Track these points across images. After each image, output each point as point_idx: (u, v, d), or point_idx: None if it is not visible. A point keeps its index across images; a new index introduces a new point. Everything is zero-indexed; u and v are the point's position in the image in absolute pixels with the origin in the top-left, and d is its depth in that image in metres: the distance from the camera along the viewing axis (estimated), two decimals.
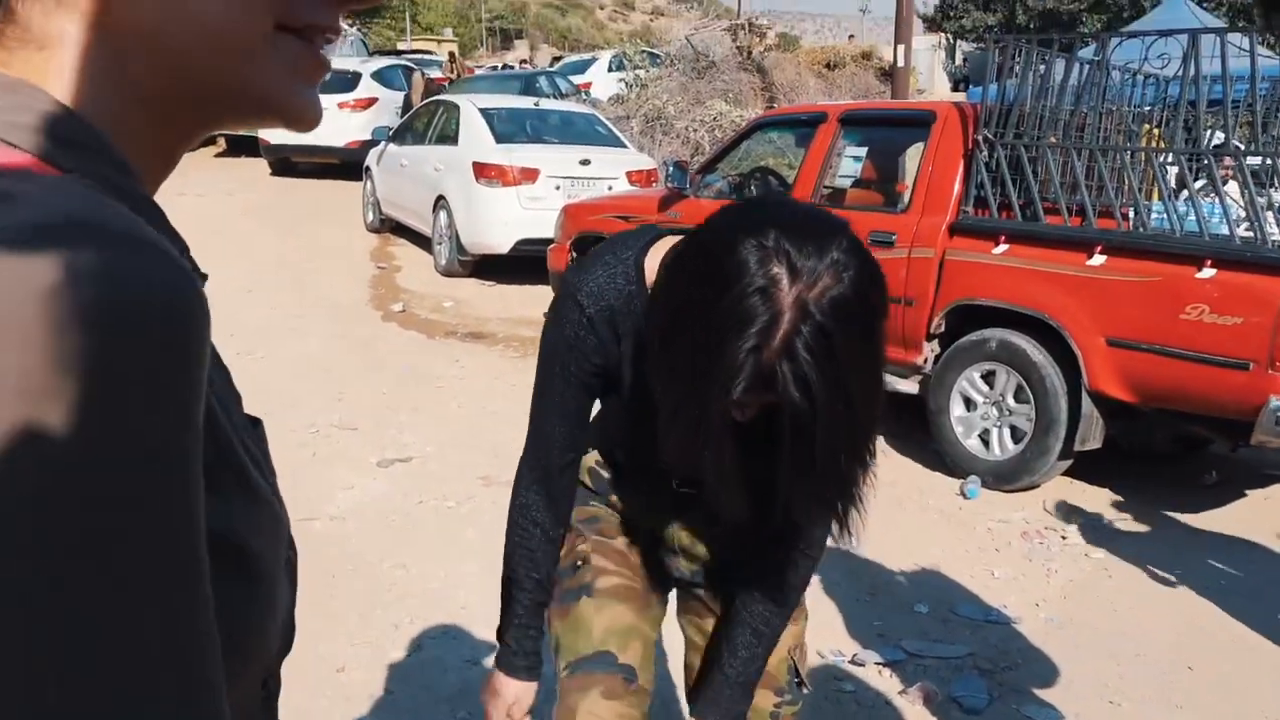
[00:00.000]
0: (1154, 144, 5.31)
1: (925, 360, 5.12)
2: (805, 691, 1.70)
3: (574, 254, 6.78)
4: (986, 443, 4.94)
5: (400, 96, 14.95)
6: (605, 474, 1.68)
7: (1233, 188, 5.00)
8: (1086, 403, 4.54)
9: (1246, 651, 3.46)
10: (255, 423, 0.66)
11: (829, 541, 1.41)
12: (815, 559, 1.57)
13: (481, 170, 8.87)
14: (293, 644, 0.64)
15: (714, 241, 1.17)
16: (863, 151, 6.01)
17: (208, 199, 11.84)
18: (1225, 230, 4.48)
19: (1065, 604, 3.78)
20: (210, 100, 0.56)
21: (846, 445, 1.18)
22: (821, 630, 3.49)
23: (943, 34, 31.18)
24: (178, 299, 0.43)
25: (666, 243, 1.44)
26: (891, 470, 5.11)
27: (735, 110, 13.30)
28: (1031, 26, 26.02)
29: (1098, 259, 4.49)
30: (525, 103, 11.17)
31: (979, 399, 4.94)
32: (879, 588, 3.86)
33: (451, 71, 20.39)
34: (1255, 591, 3.87)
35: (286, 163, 14.30)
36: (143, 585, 0.42)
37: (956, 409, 4.99)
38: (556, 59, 27.18)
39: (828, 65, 16.74)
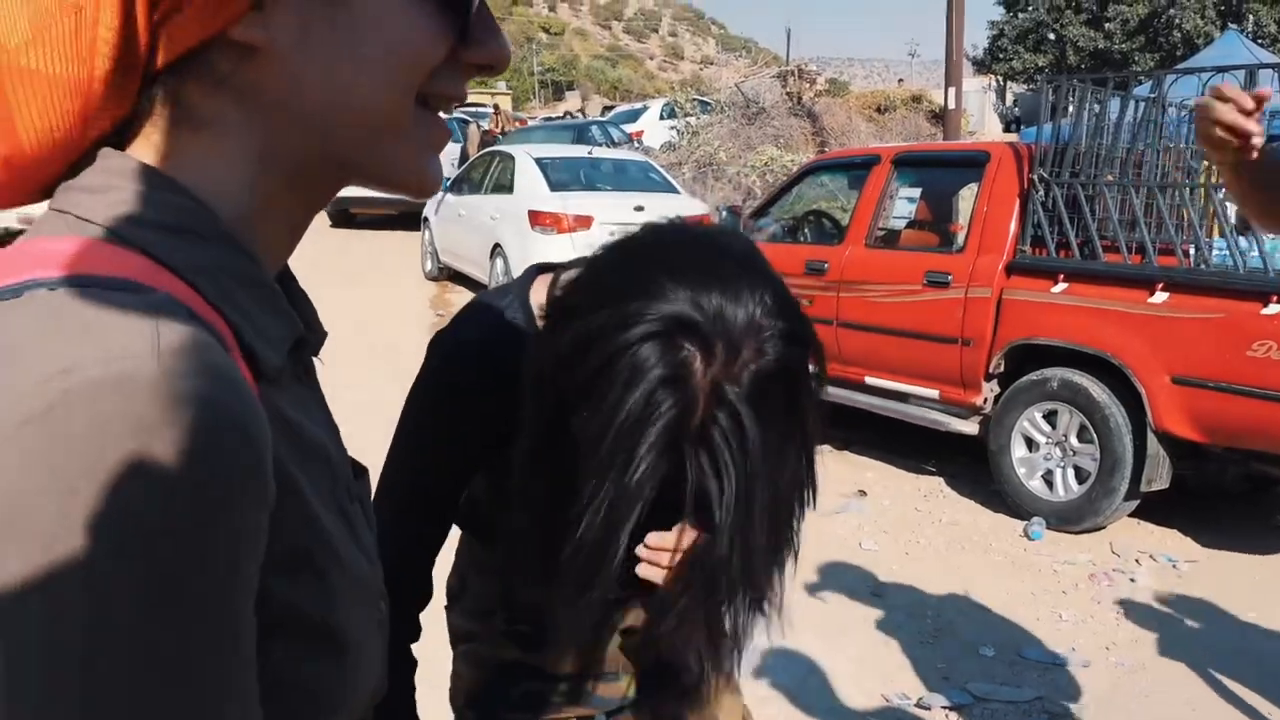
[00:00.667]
0: (1215, 180, 5.26)
1: (985, 400, 5.08)
2: None
3: None
4: (1050, 483, 4.87)
5: (457, 148, 15.24)
6: (524, 628, 1.33)
7: None
8: (1152, 442, 4.47)
9: None
10: (360, 472, 0.69)
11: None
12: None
13: (536, 218, 9.01)
14: (380, 693, 0.66)
15: (604, 315, 0.92)
16: (917, 193, 6.02)
17: None
18: None
19: (1136, 648, 3.70)
20: (349, 173, 0.60)
21: (761, 532, 0.98)
22: (885, 673, 3.45)
23: (992, 76, 31.16)
24: (210, 444, 0.45)
25: (546, 279, 1.19)
26: (952, 511, 5.06)
27: (786, 155, 13.38)
28: (1083, 66, 25.90)
29: (1160, 296, 4.44)
30: (579, 151, 11.33)
31: (1041, 439, 4.88)
32: (942, 630, 3.81)
33: (496, 125, 20.76)
34: None
35: (346, 214, 14.61)
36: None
37: (1018, 449, 4.93)
38: (607, 108, 27.55)
39: (878, 109, 16.80)
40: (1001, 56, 30.54)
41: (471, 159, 12.07)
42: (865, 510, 5.05)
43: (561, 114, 26.09)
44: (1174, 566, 4.42)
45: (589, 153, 11.24)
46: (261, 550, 0.48)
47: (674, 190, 10.32)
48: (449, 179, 11.70)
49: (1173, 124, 5.28)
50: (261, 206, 0.57)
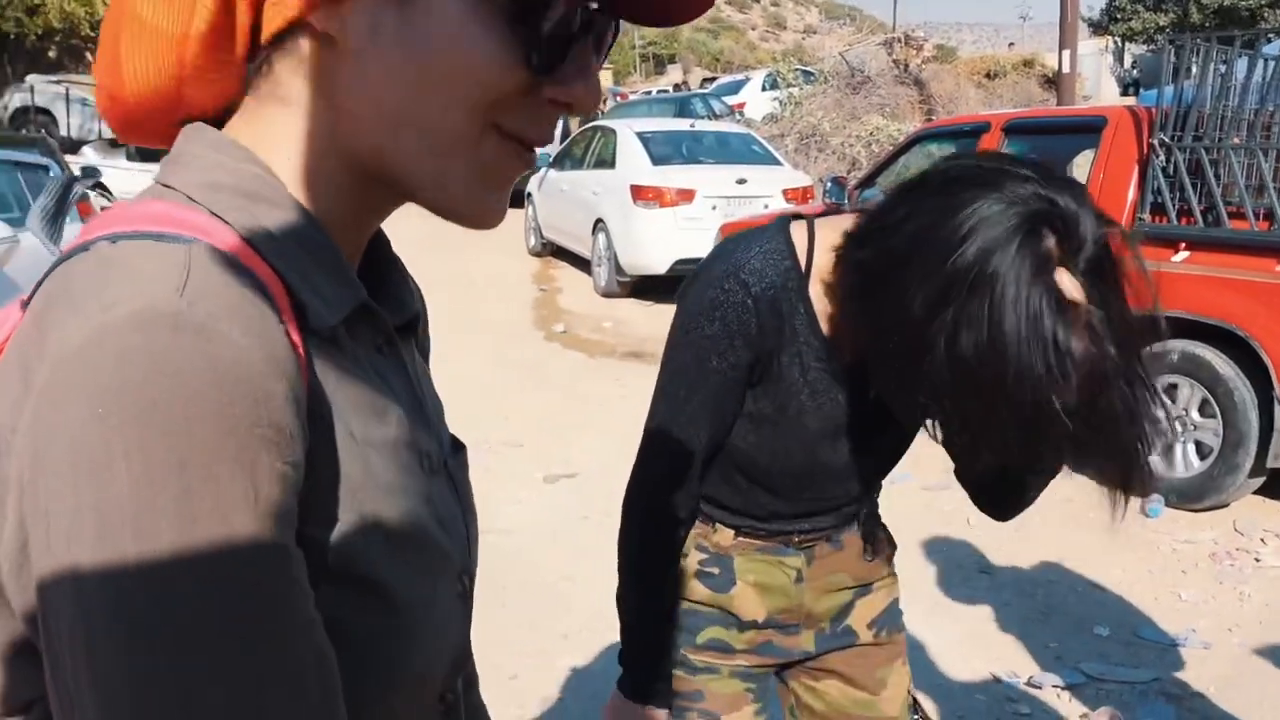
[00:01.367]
0: None
1: None
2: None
3: None
4: (1169, 459, 4.71)
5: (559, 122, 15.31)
6: (715, 570, 1.47)
7: None
8: (1279, 416, 4.28)
9: None
10: (459, 447, 0.72)
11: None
12: None
13: (639, 192, 9.01)
14: (465, 663, 0.68)
15: (973, 203, 1.05)
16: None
17: None
18: None
19: (1261, 629, 3.56)
20: (406, 188, 0.62)
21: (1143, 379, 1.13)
22: (993, 651, 3.39)
23: (1110, 37, 29.96)
24: (222, 376, 0.48)
25: (802, 224, 1.34)
26: (1066, 486, 4.92)
27: (892, 124, 13.11)
28: (1207, 25, 24.74)
29: None
30: (681, 125, 11.29)
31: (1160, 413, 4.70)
32: (1054, 608, 3.72)
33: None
34: None
35: None
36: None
37: None
38: (708, 80, 27.34)
39: (987, 75, 16.33)
40: (1120, 17, 29.32)
41: (573, 134, 12.13)
42: None
43: (671, 86, 25.94)
44: None
45: (690, 126, 11.19)
46: (288, 488, 0.51)
47: (777, 162, 10.21)
48: (549, 154, 11.79)
49: None
50: (327, 187, 0.61)
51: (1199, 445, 4.60)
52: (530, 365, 7.40)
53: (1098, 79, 24.87)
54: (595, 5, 0.60)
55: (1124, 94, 23.51)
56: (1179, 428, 4.67)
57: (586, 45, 0.60)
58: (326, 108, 0.59)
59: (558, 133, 12.80)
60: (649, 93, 28.60)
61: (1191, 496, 4.57)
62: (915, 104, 14.58)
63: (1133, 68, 27.25)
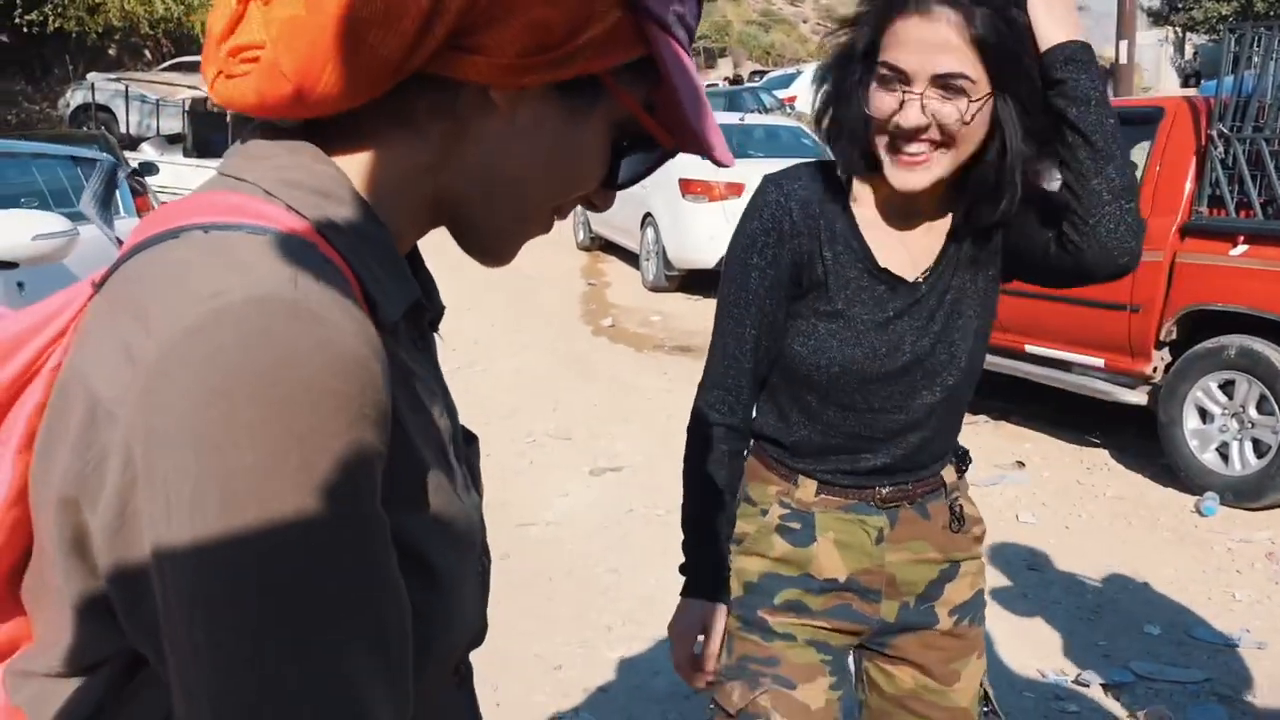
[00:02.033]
0: None
1: (1154, 369, 4.84)
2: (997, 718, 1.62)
3: None
4: (1225, 457, 4.62)
5: None
6: (796, 525, 1.50)
7: None
8: None
9: None
10: (470, 439, 0.77)
11: None
12: None
13: (687, 186, 9.00)
14: (483, 639, 0.72)
15: None
16: None
17: None
18: None
19: None
20: (465, 226, 0.70)
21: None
22: (1041, 648, 3.36)
23: (1171, 27, 29.34)
24: (340, 358, 0.53)
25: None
26: (1117, 485, 4.86)
27: None
28: (1271, 14, 24.13)
29: None
30: (730, 118, 11.25)
31: (1216, 410, 4.63)
32: (1103, 606, 3.67)
33: None
34: None
35: None
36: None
37: (1191, 421, 4.69)
38: (757, 73, 27.18)
39: None
40: (1181, 6, 28.70)
41: None
42: (1024, 482, 4.90)
43: (723, 80, 25.81)
44: None
45: (740, 119, 11.15)
46: (380, 465, 0.55)
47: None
48: None
49: None
50: (402, 209, 0.66)
51: (1257, 443, 4.51)
52: (578, 359, 7.43)
53: (1157, 70, 24.38)
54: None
55: (1184, 85, 23.04)
56: (1236, 425, 4.58)
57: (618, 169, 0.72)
58: (447, 151, 0.65)
59: None
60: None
61: (1248, 495, 4.48)
62: None
63: (1194, 58, 26.68)
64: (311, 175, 0.62)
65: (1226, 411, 4.61)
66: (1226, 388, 4.60)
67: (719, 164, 0.71)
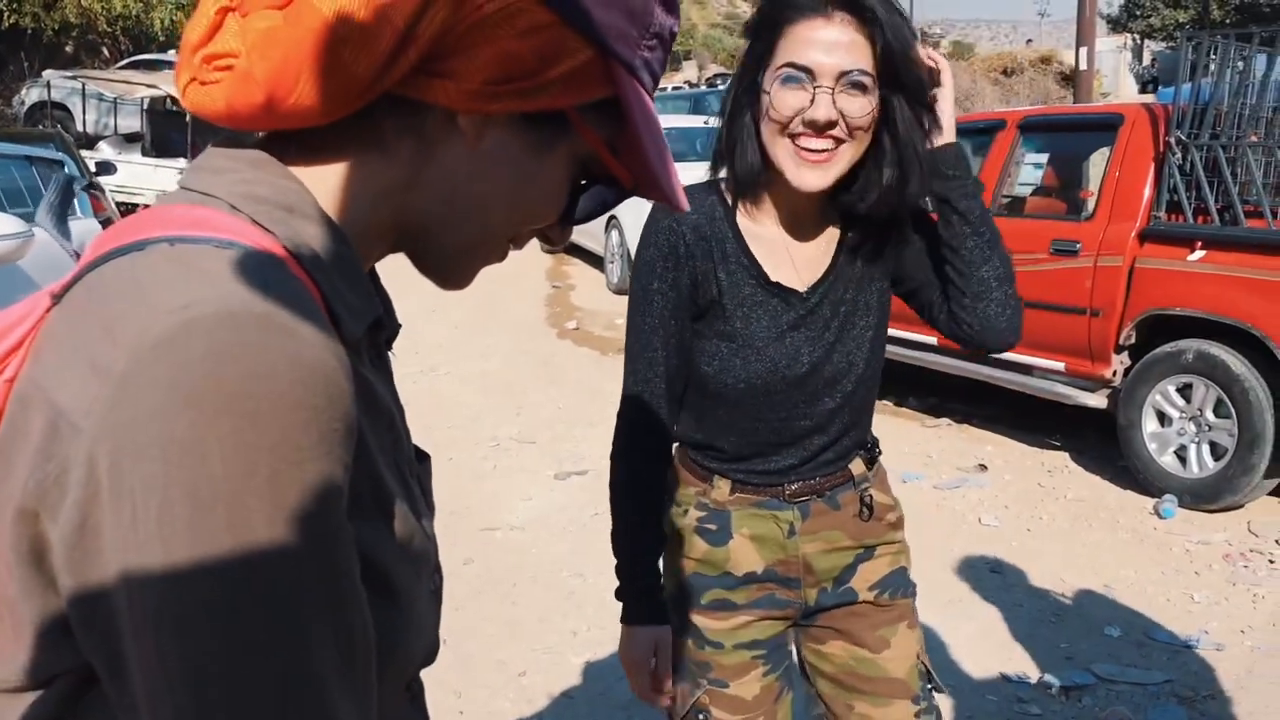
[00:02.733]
0: None
1: (1114, 373, 4.89)
2: (939, 694, 1.66)
3: None
4: (1183, 460, 4.68)
5: None
6: (713, 526, 1.56)
7: None
8: None
9: None
10: (423, 458, 0.77)
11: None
12: None
13: None
14: (435, 657, 0.73)
15: None
16: (1044, 158, 5.81)
17: None
18: None
19: (1275, 631, 3.54)
20: (425, 248, 0.71)
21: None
22: (1004, 651, 3.38)
23: (1129, 34, 29.78)
24: (309, 371, 0.53)
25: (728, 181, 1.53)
26: (1077, 487, 4.91)
27: None
28: (1228, 22, 24.54)
29: None
30: (695, 121, 11.27)
31: (1174, 414, 4.68)
32: (1065, 609, 3.70)
33: None
34: None
35: None
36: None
37: (1149, 424, 4.74)
38: (717, 76, 27.25)
39: (1004, 72, 16.27)
40: (1139, 13, 29.11)
41: None
42: (986, 485, 4.94)
43: (685, 83, 25.91)
44: None
45: (705, 122, 11.16)
46: (347, 478, 0.55)
47: None
48: None
49: None
50: (367, 227, 0.67)
51: (1214, 446, 4.57)
52: (543, 362, 7.41)
53: (1116, 76, 24.73)
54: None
55: (1142, 91, 23.36)
56: (1194, 428, 4.64)
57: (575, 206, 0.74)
58: (411, 171, 0.66)
59: None
60: (664, 89, 28.56)
61: (1206, 497, 4.54)
62: None
63: (1151, 65, 27.08)
64: (275, 190, 0.62)
65: (1184, 415, 4.66)
66: (1184, 391, 4.66)
67: (676, 209, 0.73)
